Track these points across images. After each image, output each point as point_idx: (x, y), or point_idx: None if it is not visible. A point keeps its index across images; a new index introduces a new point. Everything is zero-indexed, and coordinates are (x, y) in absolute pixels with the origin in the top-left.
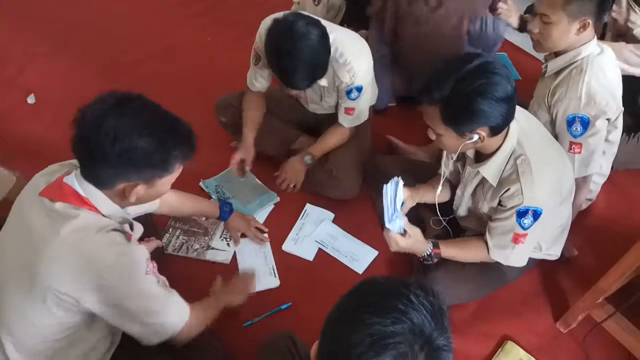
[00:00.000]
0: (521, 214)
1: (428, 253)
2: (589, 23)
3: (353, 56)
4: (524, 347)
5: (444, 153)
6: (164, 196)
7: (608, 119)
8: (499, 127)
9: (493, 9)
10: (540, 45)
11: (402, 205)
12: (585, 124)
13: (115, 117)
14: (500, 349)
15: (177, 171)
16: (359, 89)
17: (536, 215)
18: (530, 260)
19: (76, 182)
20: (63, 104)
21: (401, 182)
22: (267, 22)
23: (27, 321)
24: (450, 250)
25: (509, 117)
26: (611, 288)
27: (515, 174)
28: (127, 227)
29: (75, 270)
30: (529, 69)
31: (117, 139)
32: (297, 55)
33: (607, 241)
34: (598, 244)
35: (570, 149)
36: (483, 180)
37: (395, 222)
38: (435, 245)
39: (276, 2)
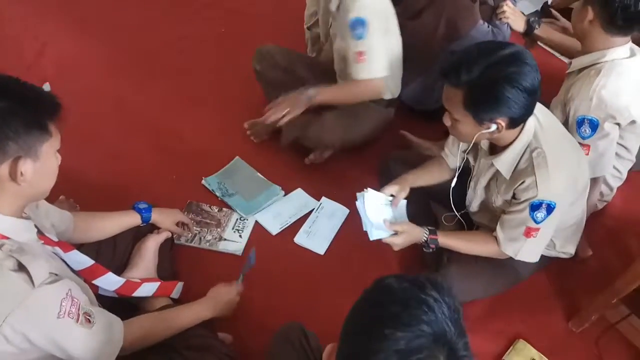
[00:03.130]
0: (535, 207)
1: (425, 239)
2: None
3: None
4: (535, 346)
5: (450, 139)
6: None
7: (618, 124)
8: (519, 120)
9: (497, 12)
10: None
11: (390, 201)
12: (594, 126)
13: None
14: (511, 347)
15: (55, 136)
16: (362, 22)
17: (550, 209)
18: (544, 258)
19: None
20: (77, 92)
21: (370, 191)
22: None
23: None
24: (452, 240)
25: (530, 109)
26: (626, 289)
27: (530, 166)
28: (31, 260)
29: None
30: (548, 68)
31: None
32: None
33: (622, 242)
34: (613, 244)
35: None
36: (497, 173)
37: (379, 231)
38: (432, 232)
39: None
